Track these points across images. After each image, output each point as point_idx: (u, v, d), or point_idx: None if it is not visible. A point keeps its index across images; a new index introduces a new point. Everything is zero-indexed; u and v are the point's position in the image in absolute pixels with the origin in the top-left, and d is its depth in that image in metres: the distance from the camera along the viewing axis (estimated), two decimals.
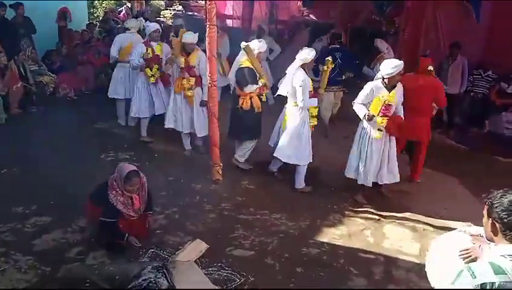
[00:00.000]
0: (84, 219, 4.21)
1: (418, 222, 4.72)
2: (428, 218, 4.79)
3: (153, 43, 6.22)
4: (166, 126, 6.01)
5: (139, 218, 4.00)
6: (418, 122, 5.28)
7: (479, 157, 6.61)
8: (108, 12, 11.96)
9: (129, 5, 13.01)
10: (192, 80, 5.72)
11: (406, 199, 5.23)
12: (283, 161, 5.24)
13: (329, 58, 5.27)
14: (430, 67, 5.37)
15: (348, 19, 10.31)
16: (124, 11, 12.53)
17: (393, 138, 4.95)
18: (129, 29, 6.94)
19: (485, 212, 2.08)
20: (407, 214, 4.86)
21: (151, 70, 6.14)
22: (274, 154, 5.24)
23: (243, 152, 5.58)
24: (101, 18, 12.09)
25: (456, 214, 4.84)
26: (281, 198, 5.10)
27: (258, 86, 5.30)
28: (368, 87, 4.81)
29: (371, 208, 4.97)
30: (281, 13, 11.15)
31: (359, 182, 4.98)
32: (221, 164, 5.32)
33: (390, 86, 4.73)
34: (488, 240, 2.10)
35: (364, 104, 4.82)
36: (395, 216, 4.81)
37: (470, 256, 2.43)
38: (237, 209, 4.79)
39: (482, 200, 2.09)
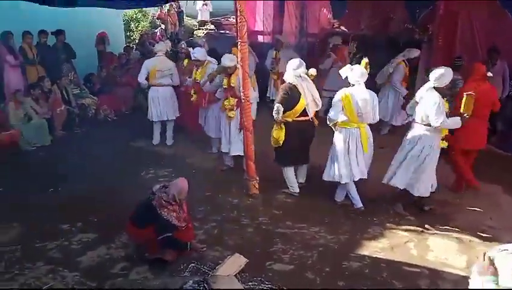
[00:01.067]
0: (126, 236, 4.32)
1: (463, 232, 4.55)
2: (474, 229, 4.62)
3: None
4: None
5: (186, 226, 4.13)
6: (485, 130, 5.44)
7: None
8: (144, 35, 12.38)
9: (163, 26, 13.42)
10: (233, 100, 5.74)
11: (449, 209, 5.06)
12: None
13: (366, 59, 5.09)
14: (489, 74, 5.33)
15: (379, 29, 10.23)
16: (158, 33, 12.94)
17: None
18: (157, 53, 7.05)
19: None
20: (451, 225, 4.70)
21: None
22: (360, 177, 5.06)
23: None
24: (137, 41, 12.51)
25: (501, 223, 4.67)
26: (319, 211, 5.06)
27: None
28: (437, 98, 4.57)
29: (414, 219, 4.84)
30: (311, 26, 11.16)
31: (417, 194, 4.82)
32: (257, 178, 5.35)
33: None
34: None
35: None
36: (439, 227, 4.66)
37: None
38: (275, 223, 4.79)
39: None
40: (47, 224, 4.68)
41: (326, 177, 5.14)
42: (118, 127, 8.20)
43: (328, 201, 5.24)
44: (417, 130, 4.73)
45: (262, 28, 11.52)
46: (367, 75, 4.91)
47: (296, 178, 5.49)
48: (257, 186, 5.37)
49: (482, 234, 4.51)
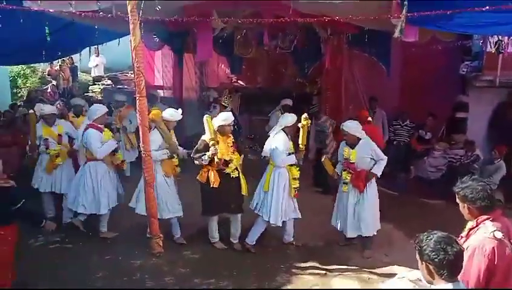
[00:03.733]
0: None
1: (362, 271, 4.81)
2: (371, 266, 4.91)
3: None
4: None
5: None
6: None
7: (409, 201, 6.98)
8: (32, 91, 11.62)
9: (54, 82, 12.75)
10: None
11: (347, 249, 5.34)
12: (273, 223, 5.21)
13: (306, 114, 5.35)
14: (369, 118, 6.25)
15: (273, 83, 10.94)
16: (49, 89, 12.24)
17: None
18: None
19: (418, 257, 2.19)
20: (350, 265, 4.94)
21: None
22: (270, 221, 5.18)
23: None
24: (25, 98, 11.68)
25: (395, 258, 5.01)
26: (226, 264, 4.98)
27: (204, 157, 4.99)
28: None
29: (317, 263, 4.99)
30: (210, 80, 11.51)
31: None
32: (161, 235, 5.13)
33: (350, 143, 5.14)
34: (428, 283, 2.18)
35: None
36: (340, 268, 4.87)
37: None
38: (182, 282, 4.60)
39: (413, 247, 2.19)
40: None
41: None
42: None
43: (234, 252, 5.21)
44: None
45: (162, 83, 11.58)
46: (290, 124, 5.27)
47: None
48: (161, 244, 5.14)
49: (378, 271, 4.80)
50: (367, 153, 5.07)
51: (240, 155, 5.27)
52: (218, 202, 5.12)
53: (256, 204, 5.29)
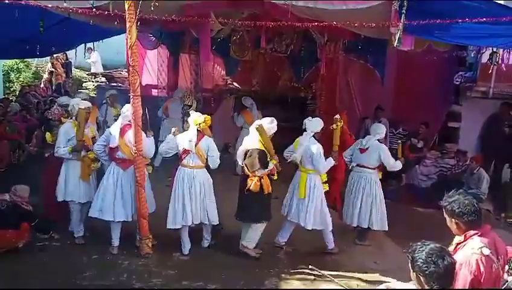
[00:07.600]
0: None
1: (352, 277, 4.80)
2: (361, 272, 4.91)
3: None
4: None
5: None
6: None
7: (400, 209, 6.94)
8: (25, 86, 11.51)
9: (47, 77, 12.64)
10: None
11: (338, 255, 5.33)
12: (313, 228, 5.21)
13: (338, 116, 5.34)
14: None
15: (269, 86, 10.93)
16: (42, 85, 12.15)
17: None
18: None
19: (410, 266, 2.18)
20: (341, 271, 4.94)
21: None
22: (306, 226, 5.19)
23: (253, 237, 5.17)
24: (17, 92, 11.58)
25: (385, 266, 5.02)
26: (216, 267, 4.94)
27: (269, 169, 4.99)
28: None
29: (307, 268, 4.97)
30: (206, 82, 11.48)
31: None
32: (150, 237, 5.08)
33: None
34: None
35: None
36: (330, 274, 4.84)
37: None
38: (170, 284, 4.55)
39: (405, 255, 2.19)
40: None
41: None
42: None
43: (227, 256, 5.17)
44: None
45: (157, 83, 11.54)
46: (319, 130, 5.31)
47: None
48: (150, 246, 5.09)
49: (368, 278, 4.79)
50: None
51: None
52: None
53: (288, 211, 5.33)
